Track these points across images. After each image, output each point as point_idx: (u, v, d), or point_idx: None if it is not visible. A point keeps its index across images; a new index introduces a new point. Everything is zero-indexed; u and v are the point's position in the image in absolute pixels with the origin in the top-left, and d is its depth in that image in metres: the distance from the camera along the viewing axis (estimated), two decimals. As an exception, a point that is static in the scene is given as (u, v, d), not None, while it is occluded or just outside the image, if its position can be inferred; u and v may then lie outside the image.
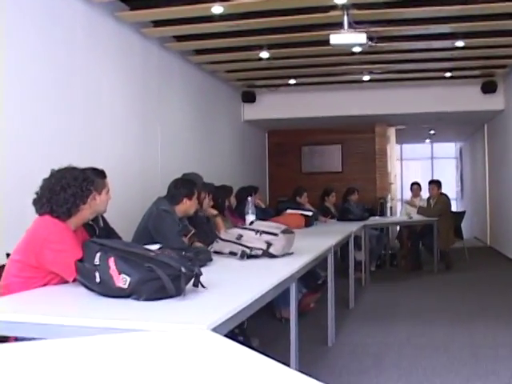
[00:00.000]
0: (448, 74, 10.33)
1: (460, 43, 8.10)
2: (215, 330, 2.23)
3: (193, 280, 2.84)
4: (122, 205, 6.12)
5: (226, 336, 2.01)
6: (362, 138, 13.68)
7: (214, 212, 6.47)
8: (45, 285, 3.26)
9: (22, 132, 5.11)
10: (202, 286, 2.87)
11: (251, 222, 4.97)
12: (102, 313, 2.63)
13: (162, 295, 2.73)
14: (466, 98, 11.20)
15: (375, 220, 10.01)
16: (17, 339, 2.66)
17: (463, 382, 4.56)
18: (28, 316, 2.56)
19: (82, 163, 3.77)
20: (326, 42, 6.89)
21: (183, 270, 2.76)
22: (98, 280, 2.85)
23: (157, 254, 2.89)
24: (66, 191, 3.38)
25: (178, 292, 2.74)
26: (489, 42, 8.08)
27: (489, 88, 10.95)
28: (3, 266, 3.48)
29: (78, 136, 5.92)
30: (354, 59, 9.05)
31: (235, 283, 3.49)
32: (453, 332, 6.05)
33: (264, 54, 8.62)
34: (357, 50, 7.86)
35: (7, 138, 4.92)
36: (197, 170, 6.54)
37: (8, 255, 3.54)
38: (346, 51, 8.25)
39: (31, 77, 5.25)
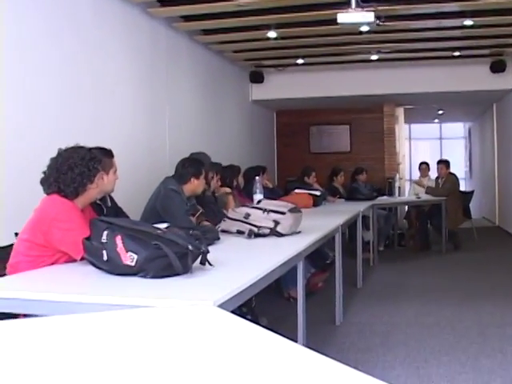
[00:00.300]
0: (456, 53, 10.25)
1: (469, 22, 8.03)
2: (221, 306, 2.24)
3: (200, 258, 2.86)
4: (131, 185, 6.13)
5: (234, 313, 2.02)
6: (370, 118, 13.62)
7: (228, 190, 6.50)
8: (53, 263, 3.29)
9: (28, 113, 5.11)
10: (209, 263, 2.89)
11: (259, 201, 4.98)
12: (109, 290, 2.65)
13: (169, 273, 2.75)
14: (475, 77, 11.11)
15: (383, 200, 9.99)
16: (26, 316, 2.68)
17: (470, 360, 4.58)
18: (36, 294, 2.59)
19: (89, 143, 3.78)
20: (334, 21, 6.84)
21: (190, 247, 2.78)
22: (105, 258, 2.87)
23: (164, 232, 2.90)
24: (73, 170, 3.39)
25: (184, 270, 2.76)
26: (498, 20, 8.01)
27: (498, 67, 10.85)
28: (12, 245, 3.51)
29: (86, 116, 5.91)
30: (362, 38, 8.99)
31: (242, 261, 3.50)
32: (460, 311, 6.07)
33: (272, 34, 8.57)
34: (365, 29, 7.81)
35: (14, 118, 4.93)
36: (205, 150, 6.54)
37: (17, 234, 3.56)
38: (353, 30, 8.19)
39: (35, 56, 5.22)
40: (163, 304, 2.29)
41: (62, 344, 1.68)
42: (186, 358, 1.52)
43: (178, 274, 2.75)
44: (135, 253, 2.77)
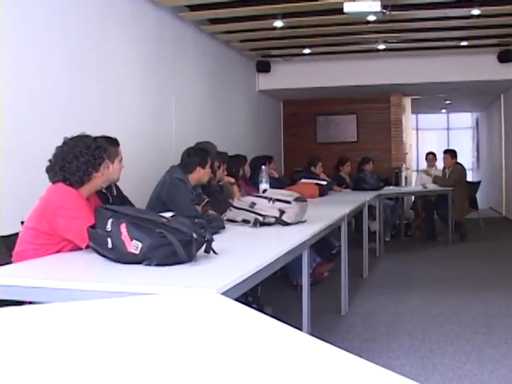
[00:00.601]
0: (464, 43, 10.22)
1: (476, 11, 8.00)
2: (225, 294, 2.24)
3: (204, 246, 2.86)
4: (137, 175, 6.14)
5: (239, 302, 2.02)
6: (377, 108, 13.59)
7: (232, 180, 6.50)
8: (58, 251, 3.30)
9: (34, 102, 5.12)
10: (214, 252, 2.89)
11: (264, 190, 4.99)
12: (113, 277, 2.65)
13: (174, 261, 2.76)
14: (482, 67, 11.07)
15: (390, 190, 9.98)
16: (31, 304, 2.70)
17: (475, 350, 4.58)
18: (42, 281, 2.60)
19: (95, 133, 3.79)
20: (341, 11, 6.84)
21: (194, 235, 2.78)
22: (110, 246, 2.87)
23: (168, 220, 2.91)
24: (79, 159, 3.40)
25: (189, 258, 2.76)
26: (505, 10, 7.96)
27: (505, 57, 10.79)
28: (17, 233, 3.52)
29: (92, 106, 5.91)
30: (368, 28, 8.96)
31: (247, 250, 3.51)
32: (466, 301, 6.06)
33: (278, 24, 8.56)
34: (371, 18, 7.78)
35: (19, 107, 4.93)
36: (212, 140, 6.54)
37: (23, 223, 3.58)
38: (360, 20, 8.18)
39: (41, 46, 5.22)
40: (167, 291, 2.30)
41: (65, 330, 1.69)
42: (187, 345, 1.52)
43: (182, 262, 2.76)
44: (140, 241, 2.78)
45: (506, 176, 13.90)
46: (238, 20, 8.61)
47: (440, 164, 11.17)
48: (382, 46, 10.46)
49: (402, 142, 13.77)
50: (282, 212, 4.42)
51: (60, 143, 3.54)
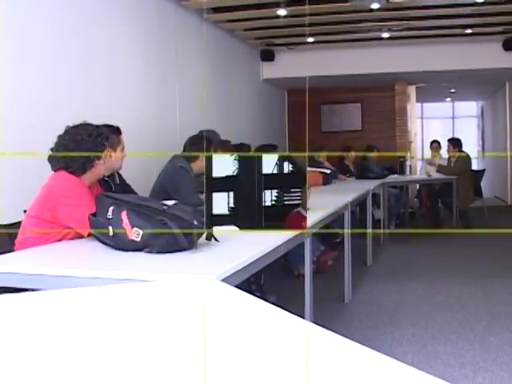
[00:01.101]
0: (468, 31, 10.18)
1: (480, -2, 7.99)
2: (225, 280, 2.25)
3: (205, 233, 2.86)
4: (140, 164, 6.14)
5: (242, 289, 2.02)
6: (381, 97, 13.56)
7: None
8: (60, 239, 3.31)
9: (41, 92, 5.12)
10: (215, 239, 2.90)
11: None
12: (114, 264, 2.66)
13: (175, 248, 2.76)
14: (488, 55, 11.02)
15: (394, 178, 9.97)
16: (33, 291, 2.71)
17: (478, 338, 4.58)
18: (44, 268, 2.61)
19: (99, 123, 3.79)
20: (345, -1, 6.84)
21: (195, 223, 2.78)
22: (111, 233, 2.88)
23: (169, 208, 2.91)
24: (80, 146, 3.40)
25: (190, 245, 2.77)
26: (510, -4, 7.96)
27: (510, 45, 10.74)
28: (20, 222, 3.53)
29: (96, 96, 5.91)
30: (372, 16, 8.94)
31: (248, 237, 3.50)
32: (469, 289, 6.06)
33: (282, 12, 8.54)
34: (375, 6, 7.77)
35: (27, 96, 4.94)
36: (216, 129, 6.53)
37: (25, 212, 3.58)
38: (364, 8, 8.15)
39: (43, 37, 5.22)
40: (167, 278, 2.30)
41: (67, 317, 1.70)
42: (187, 330, 1.53)
43: (183, 250, 2.77)
44: (140, 228, 2.79)
45: (510, 164, 13.86)
46: (241, 8, 8.59)
47: (445, 152, 11.13)
48: (386, 35, 10.43)
49: (407, 131, 13.75)
50: (284, 200, 4.42)
51: (62, 131, 3.54)
